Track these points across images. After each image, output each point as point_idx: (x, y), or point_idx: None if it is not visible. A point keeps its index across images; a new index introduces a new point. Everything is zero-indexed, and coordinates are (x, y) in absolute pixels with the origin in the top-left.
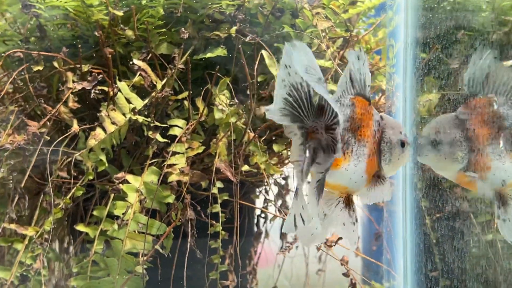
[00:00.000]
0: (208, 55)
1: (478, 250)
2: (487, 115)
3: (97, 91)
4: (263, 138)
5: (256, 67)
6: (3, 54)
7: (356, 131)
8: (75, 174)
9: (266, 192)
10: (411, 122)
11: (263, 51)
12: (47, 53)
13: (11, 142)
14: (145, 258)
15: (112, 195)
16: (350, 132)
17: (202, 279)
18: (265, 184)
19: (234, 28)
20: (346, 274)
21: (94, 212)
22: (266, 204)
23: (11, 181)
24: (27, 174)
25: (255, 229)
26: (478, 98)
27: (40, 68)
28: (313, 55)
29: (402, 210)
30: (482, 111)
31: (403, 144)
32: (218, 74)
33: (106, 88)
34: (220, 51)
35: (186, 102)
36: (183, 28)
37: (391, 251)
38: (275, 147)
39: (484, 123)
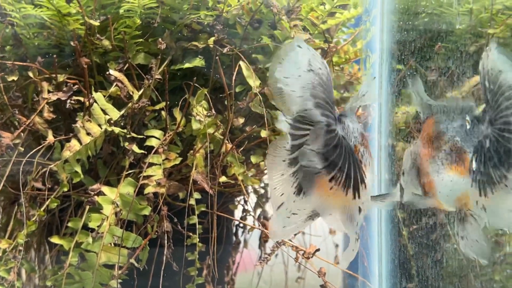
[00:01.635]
0: (186, 65)
1: (454, 261)
2: (427, 135)
3: (72, 101)
4: (241, 149)
5: (234, 78)
6: None
7: (363, 144)
8: (50, 185)
9: (245, 202)
10: (387, 133)
11: (241, 62)
12: (21, 63)
13: None
14: (120, 272)
15: (87, 207)
16: (362, 146)
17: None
18: (243, 195)
19: (212, 38)
20: (323, 286)
21: (69, 224)
22: (244, 214)
23: None
24: (1, 184)
25: (234, 238)
26: (424, 122)
27: (15, 78)
28: None
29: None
30: (424, 133)
31: None
32: (195, 84)
33: (82, 99)
34: (198, 62)
35: (163, 113)
36: (160, 39)
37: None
38: (253, 159)
39: (426, 144)
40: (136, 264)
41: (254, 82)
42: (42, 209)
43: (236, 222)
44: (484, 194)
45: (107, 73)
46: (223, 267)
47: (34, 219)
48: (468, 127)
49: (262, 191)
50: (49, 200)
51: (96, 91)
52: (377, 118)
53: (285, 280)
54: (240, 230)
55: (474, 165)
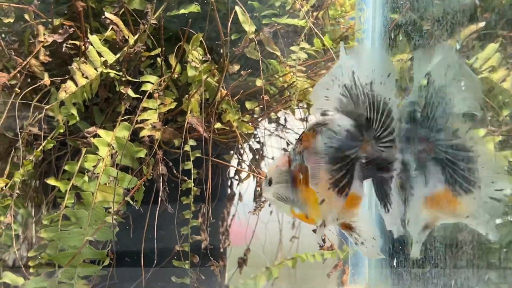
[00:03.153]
0: (182, 11)
1: None
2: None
3: (68, 45)
4: (236, 98)
5: (229, 24)
6: None
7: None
8: (47, 131)
9: (240, 155)
10: None
11: (237, 8)
12: (18, 5)
13: None
14: (115, 209)
15: (84, 151)
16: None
17: (174, 235)
18: (239, 144)
19: None
20: (323, 241)
21: (66, 167)
22: (240, 165)
23: None
24: None
25: (229, 190)
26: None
27: (11, 20)
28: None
29: None
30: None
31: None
32: (190, 30)
33: (78, 43)
34: (194, 8)
35: (159, 59)
36: None
37: None
38: (248, 104)
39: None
40: (131, 203)
41: (249, 27)
42: (39, 149)
43: (231, 175)
44: None
45: (103, 16)
46: (218, 219)
47: (31, 158)
48: None
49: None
50: (46, 141)
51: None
52: None
53: (279, 239)
54: (235, 183)
55: None
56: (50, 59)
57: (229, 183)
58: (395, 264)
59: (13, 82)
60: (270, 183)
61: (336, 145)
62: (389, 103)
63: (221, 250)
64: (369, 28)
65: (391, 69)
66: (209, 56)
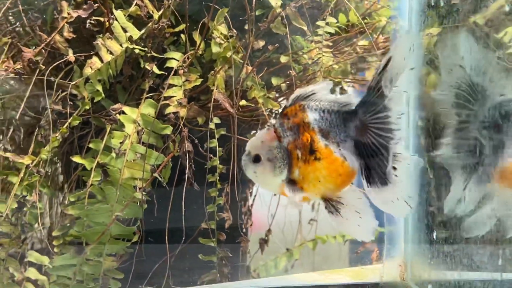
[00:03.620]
0: None
1: None
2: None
3: (92, 21)
4: (261, 75)
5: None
6: None
7: None
8: (71, 109)
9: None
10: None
11: None
12: None
13: (6, 68)
14: (144, 184)
15: (108, 129)
16: None
17: (198, 214)
18: (262, 121)
19: None
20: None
21: (90, 145)
22: None
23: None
24: (22, 105)
25: None
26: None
27: None
28: None
29: None
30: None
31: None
32: (216, 7)
33: (102, 19)
34: None
35: (183, 36)
36: None
37: None
38: (274, 81)
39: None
40: (160, 179)
41: (276, 1)
42: (64, 126)
43: None
44: None
45: None
46: (240, 199)
47: (57, 135)
48: None
49: None
50: (71, 117)
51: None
52: None
53: (298, 220)
54: None
55: None
56: (74, 36)
57: None
58: (434, 237)
59: (38, 58)
60: (257, 160)
61: (328, 121)
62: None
63: (243, 230)
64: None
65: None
66: (235, 31)
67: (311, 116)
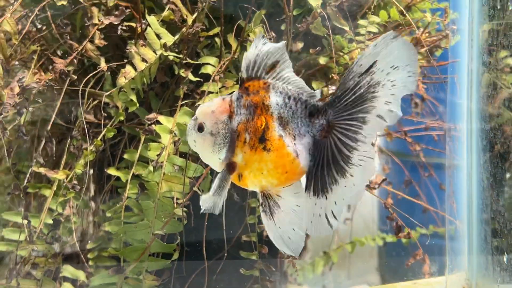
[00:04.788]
0: None
1: None
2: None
3: (124, 27)
4: (300, 76)
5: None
6: None
7: None
8: (102, 118)
9: None
10: (478, 51)
11: None
12: None
13: (37, 80)
14: (184, 199)
15: (142, 139)
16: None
17: (240, 224)
18: None
19: None
20: (390, 218)
21: (125, 156)
22: None
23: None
24: (54, 116)
25: None
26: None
27: (64, 2)
28: None
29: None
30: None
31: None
32: (254, 9)
33: (133, 25)
34: None
35: (217, 39)
36: None
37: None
38: (314, 85)
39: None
40: (199, 192)
41: (316, 1)
42: (99, 138)
43: None
44: None
45: None
46: None
47: (91, 148)
48: None
49: None
50: (106, 129)
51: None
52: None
53: None
54: None
55: None
56: (105, 43)
57: None
58: (505, 261)
59: (70, 68)
60: (200, 129)
61: (292, 110)
62: None
63: None
64: None
65: None
66: (273, 34)
67: (274, 99)
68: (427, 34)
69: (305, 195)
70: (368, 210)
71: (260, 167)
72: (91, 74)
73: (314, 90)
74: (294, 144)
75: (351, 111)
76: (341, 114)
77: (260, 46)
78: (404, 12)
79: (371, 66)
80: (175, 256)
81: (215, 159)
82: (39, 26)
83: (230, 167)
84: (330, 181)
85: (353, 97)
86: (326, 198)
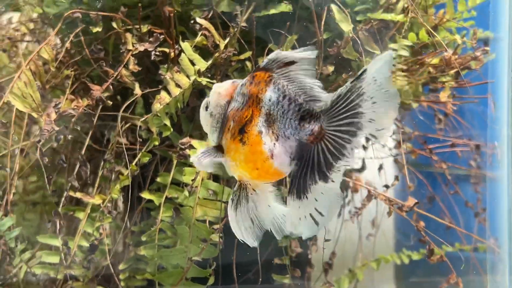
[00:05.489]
0: (272, 11)
1: None
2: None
3: (157, 53)
4: None
5: (322, 23)
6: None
7: None
8: (131, 141)
9: None
10: None
11: (333, 6)
12: (106, 13)
13: (75, 107)
14: (221, 224)
15: (174, 162)
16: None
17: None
18: None
19: None
20: (422, 240)
21: (158, 179)
22: None
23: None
24: (87, 140)
25: None
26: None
27: (99, 29)
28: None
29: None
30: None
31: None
32: (286, 35)
33: (166, 50)
34: (284, 7)
35: (248, 63)
36: None
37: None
38: None
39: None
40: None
41: (347, 26)
42: (133, 163)
43: None
44: None
45: (192, 21)
46: None
47: (126, 174)
48: None
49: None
50: (140, 154)
51: (179, 42)
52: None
53: (358, 235)
54: None
55: None
56: (139, 68)
57: None
58: None
59: (106, 94)
60: (206, 108)
61: (282, 110)
62: None
63: (309, 256)
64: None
65: None
66: None
67: (268, 95)
68: (455, 57)
69: (288, 198)
70: (387, 225)
71: (235, 156)
72: (128, 102)
73: None
74: (274, 144)
75: (344, 122)
76: (334, 123)
77: (295, 51)
78: (433, 33)
79: (362, 74)
80: (211, 281)
81: (211, 139)
82: (73, 51)
83: (220, 149)
84: (310, 183)
85: (345, 104)
86: (307, 198)
